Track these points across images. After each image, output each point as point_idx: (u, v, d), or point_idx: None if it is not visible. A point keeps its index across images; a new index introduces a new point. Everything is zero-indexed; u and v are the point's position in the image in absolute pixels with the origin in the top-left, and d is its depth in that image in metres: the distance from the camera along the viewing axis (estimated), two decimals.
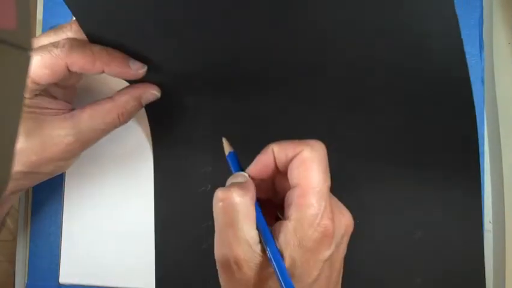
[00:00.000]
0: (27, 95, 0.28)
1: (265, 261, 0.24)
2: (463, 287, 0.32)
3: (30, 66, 0.16)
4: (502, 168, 0.33)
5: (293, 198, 0.24)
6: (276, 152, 0.25)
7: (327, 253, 0.24)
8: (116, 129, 0.30)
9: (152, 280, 0.34)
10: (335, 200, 0.26)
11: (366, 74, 0.30)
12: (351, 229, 0.26)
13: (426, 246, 0.32)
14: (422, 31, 0.27)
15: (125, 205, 0.35)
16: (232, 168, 0.27)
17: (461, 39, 0.26)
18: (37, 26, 0.36)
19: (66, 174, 0.35)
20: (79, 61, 0.27)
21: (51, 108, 0.29)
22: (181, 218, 0.34)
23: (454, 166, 0.32)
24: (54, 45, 0.27)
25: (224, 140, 0.28)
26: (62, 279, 0.34)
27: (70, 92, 0.31)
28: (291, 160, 0.25)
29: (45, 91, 0.29)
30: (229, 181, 0.26)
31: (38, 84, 0.27)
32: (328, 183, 0.24)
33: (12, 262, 0.36)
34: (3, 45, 0.14)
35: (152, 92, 0.30)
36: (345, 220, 0.25)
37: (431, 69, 0.29)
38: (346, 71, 0.30)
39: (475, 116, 0.30)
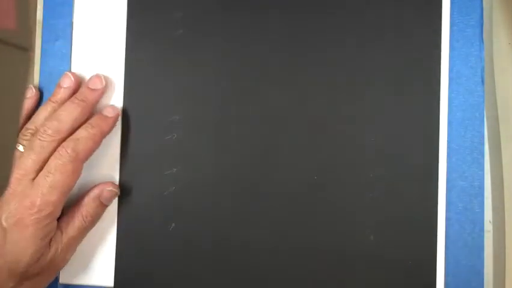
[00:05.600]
0: (58, 214, 0.30)
1: None
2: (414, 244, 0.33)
3: (31, 66, 0.16)
4: (502, 168, 0.33)
5: None
6: None
7: None
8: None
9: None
10: None
11: None
12: None
13: (379, 205, 0.33)
14: None
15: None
16: None
17: None
18: (37, 26, 0.36)
19: None
20: (88, 153, 0.31)
21: (53, 232, 0.31)
22: (145, 165, 0.34)
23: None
24: (62, 155, 0.30)
25: None
26: (62, 279, 0.34)
27: None
28: None
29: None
30: None
31: (68, 193, 0.30)
32: None
33: None
34: (3, 45, 0.14)
35: (108, 189, 0.33)
36: None
37: None
38: None
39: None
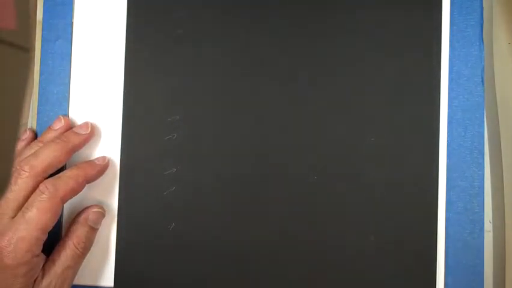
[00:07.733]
0: (36, 251, 0.29)
1: None
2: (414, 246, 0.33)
3: (31, 66, 0.16)
4: (502, 168, 0.33)
5: None
6: None
7: None
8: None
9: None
10: None
11: None
12: None
13: (380, 205, 0.33)
14: None
15: None
16: None
17: None
18: (37, 26, 0.36)
19: None
20: (68, 192, 0.30)
21: (39, 267, 0.30)
22: (145, 165, 0.34)
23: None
24: (42, 191, 0.29)
25: None
26: None
27: None
28: None
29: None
30: None
31: (47, 230, 0.29)
32: None
33: None
34: (3, 45, 0.14)
35: (93, 211, 0.33)
36: None
37: None
38: None
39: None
